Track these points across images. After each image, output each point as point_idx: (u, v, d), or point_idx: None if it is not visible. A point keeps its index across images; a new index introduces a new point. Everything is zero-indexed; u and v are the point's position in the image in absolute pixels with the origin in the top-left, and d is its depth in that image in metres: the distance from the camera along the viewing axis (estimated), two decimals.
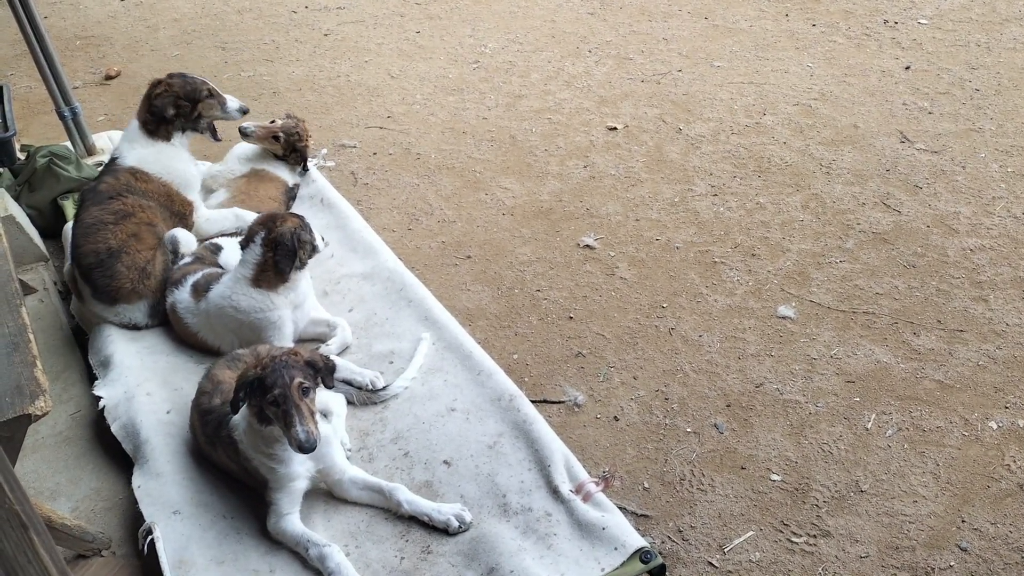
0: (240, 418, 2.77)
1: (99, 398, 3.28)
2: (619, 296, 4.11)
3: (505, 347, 3.82)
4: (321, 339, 3.60)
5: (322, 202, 4.48)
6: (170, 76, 3.89)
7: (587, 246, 4.49)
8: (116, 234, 3.58)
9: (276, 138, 4.51)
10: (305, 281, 3.46)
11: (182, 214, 3.86)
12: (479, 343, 3.60)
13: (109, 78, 6.75)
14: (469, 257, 4.45)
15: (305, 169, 4.67)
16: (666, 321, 3.93)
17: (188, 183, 3.86)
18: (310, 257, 3.37)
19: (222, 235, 3.94)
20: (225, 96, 3.97)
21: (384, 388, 3.29)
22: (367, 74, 6.60)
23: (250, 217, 3.88)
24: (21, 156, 4.86)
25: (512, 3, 7.75)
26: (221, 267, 3.68)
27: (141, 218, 3.66)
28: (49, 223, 4.61)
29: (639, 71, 6.35)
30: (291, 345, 3.46)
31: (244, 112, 4.03)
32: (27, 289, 4.08)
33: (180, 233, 3.78)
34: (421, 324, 3.59)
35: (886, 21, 6.85)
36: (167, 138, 3.80)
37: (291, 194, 4.57)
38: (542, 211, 4.80)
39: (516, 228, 4.66)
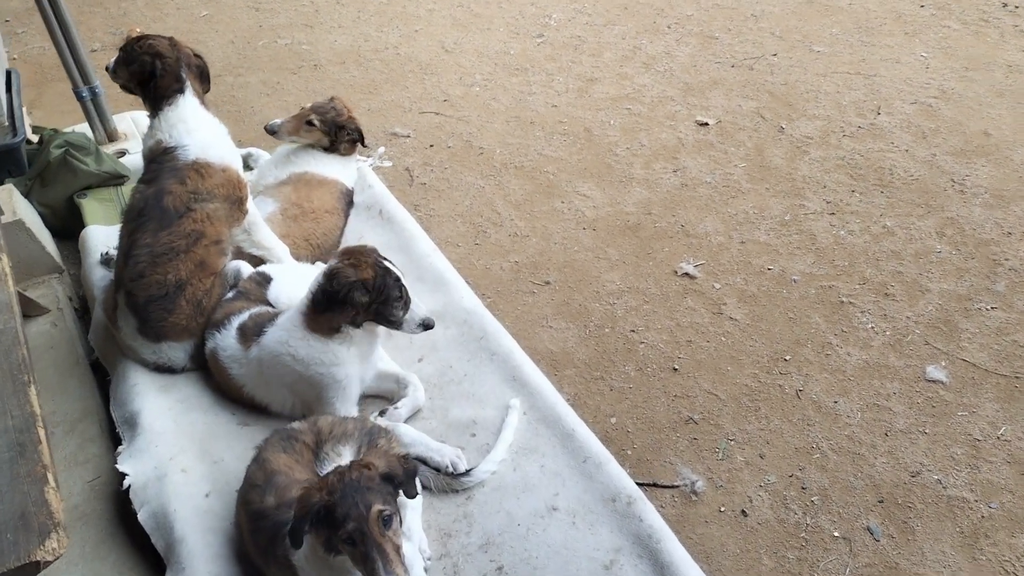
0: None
1: (124, 475, 2.69)
2: (731, 343, 3.48)
3: (600, 407, 3.21)
4: (387, 397, 3.00)
5: (381, 215, 3.83)
6: (179, 44, 3.23)
7: (686, 274, 3.84)
8: (187, 263, 2.98)
9: (311, 123, 3.84)
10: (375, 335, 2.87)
11: (239, 199, 3.19)
12: (568, 400, 3.00)
13: None
14: (548, 283, 3.82)
15: (363, 143, 4.01)
16: (791, 379, 3.30)
17: (238, 157, 3.25)
18: (391, 321, 2.75)
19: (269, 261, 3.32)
20: None
21: (468, 472, 2.69)
22: (418, 46, 5.89)
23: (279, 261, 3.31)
24: (34, 138, 4.23)
25: None
26: (271, 304, 3.07)
27: (210, 236, 3.05)
28: (64, 223, 4.01)
29: (728, 53, 5.61)
30: (354, 411, 2.86)
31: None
32: (37, 310, 3.50)
33: (244, 266, 3.16)
34: (508, 385, 2.97)
35: (1005, 4, 6.05)
36: (206, 106, 3.18)
37: (349, 199, 3.92)
38: (629, 226, 4.15)
39: (600, 247, 4.02)
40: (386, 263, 2.70)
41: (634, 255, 3.97)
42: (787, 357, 3.40)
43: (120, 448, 2.82)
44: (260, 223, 3.30)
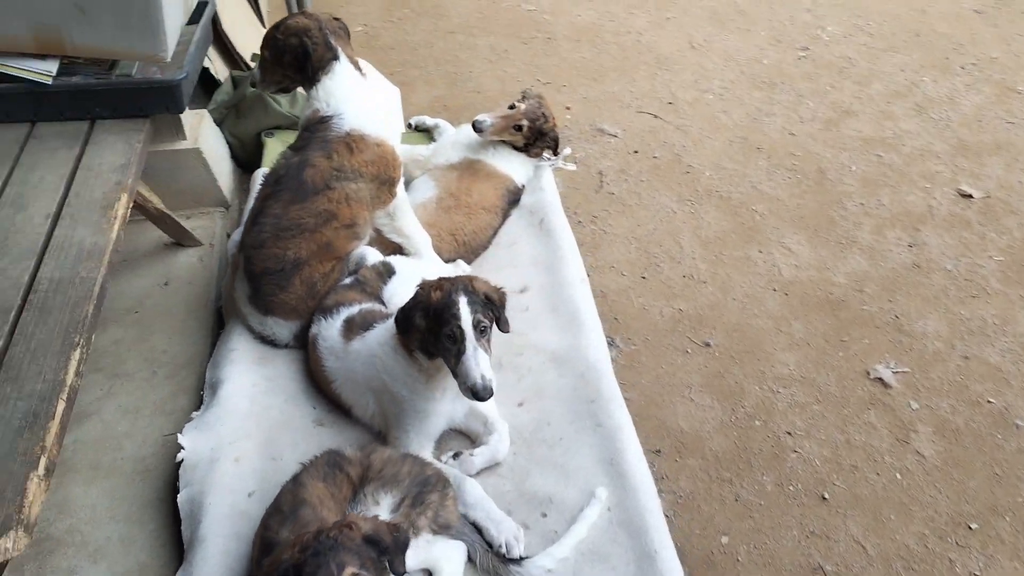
0: None
1: (180, 447, 2.58)
2: (906, 484, 2.78)
3: (714, 517, 2.68)
4: (471, 437, 2.67)
5: (541, 225, 3.46)
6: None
7: (879, 380, 3.14)
8: (310, 244, 2.83)
9: (518, 127, 3.52)
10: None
11: (391, 180, 2.98)
12: (678, 496, 2.52)
13: None
14: (708, 345, 3.28)
15: (555, 152, 3.67)
16: (969, 556, 2.58)
17: (396, 133, 3.03)
18: (452, 359, 2.40)
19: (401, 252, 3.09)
20: None
21: (520, 561, 2.31)
22: (663, 36, 5.36)
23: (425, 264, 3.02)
24: (222, 74, 4.26)
25: None
26: (383, 303, 2.83)
27: (343, 218, 2.86)
28: (251, 158, 4.00)
29: None
30: (429, 447, 2.56)
31: None
32: (191, 241, 3.50)
33: (371, 254, 2.96)
34: (602, 468, 2.53)
35: None
36: (359, 68, 2.96)
37: (514, 198, 3.59)
38: (830, 300, 3.47)
39: (785, 317, 3.39)
40: (463, 300, 2.35)
41: (823, 338, 3.31)
42: (973, 525, 2.66)
43: (193, 415, 2.72)
44: (406, 208, 3.06)
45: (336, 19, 3.03)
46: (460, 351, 2.33)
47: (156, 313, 3.25)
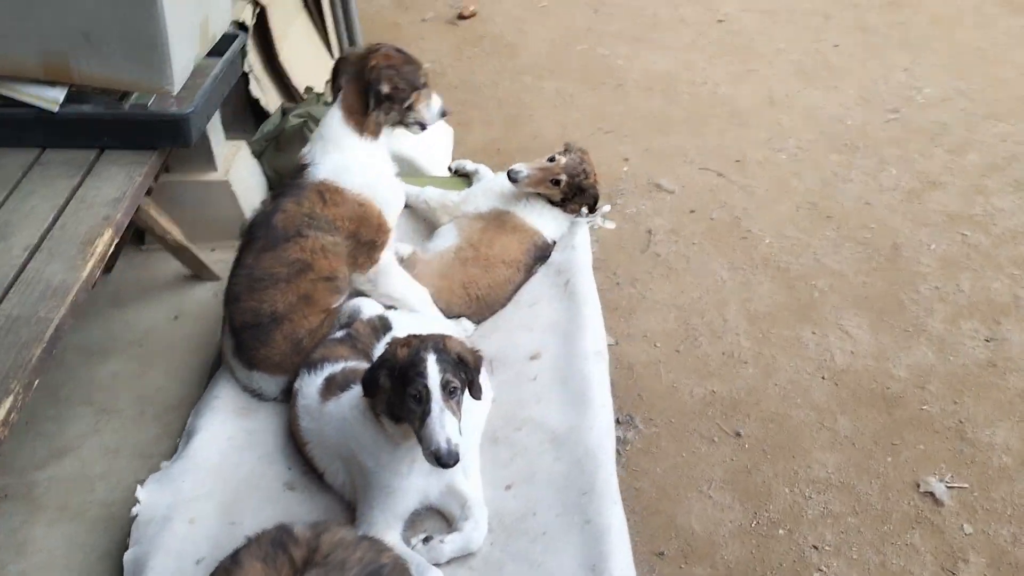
0: None
1: (139, 500, 2.44)
2: None
3: None
4: (447, 517, 2.44)
5: (566, 286, 3.21)
6: (385, 50, 2.82)
7: (930, 495, 2.75)
8: (287, 295, 2.68)
9: (555, 181, 3.31)
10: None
11: (372, 244, 2.83)
12: None
13: (462, 18, 5.96)
14: (738, 435, 2.96)
15: (592, 210, 3.44)
16: None
17: (392, 201, 2.84)
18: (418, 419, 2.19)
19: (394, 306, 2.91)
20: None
21: None
22: (743, 89, 5.05)
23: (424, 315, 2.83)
24: (305, 96, 4.23)
25: (987, 36, 5.54)
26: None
27: (320, 270, 2.72)
28: None
29: None
30: (395, 528, 2.34)
31: (443, 115, 2.95)
32: (208, 275, 3.42)
33: (367, 306, 2.79)
34: (582, 573, 2.24)
35: None
36: (375, 134, 2.77)
37: (542, 254, 3.36)
38: (885, 396, 3.09)
39: (831, 410, 3.04)
40: (432, 358, 2.16)
41: (871, 439, 2.93)
42: None
43: (163, 464, 2.59)
44: (391, 272, 2.92)
45: (390, 67, 2.80)
46: (425, 412, 2.16)
47: (160, 348, 3.17)
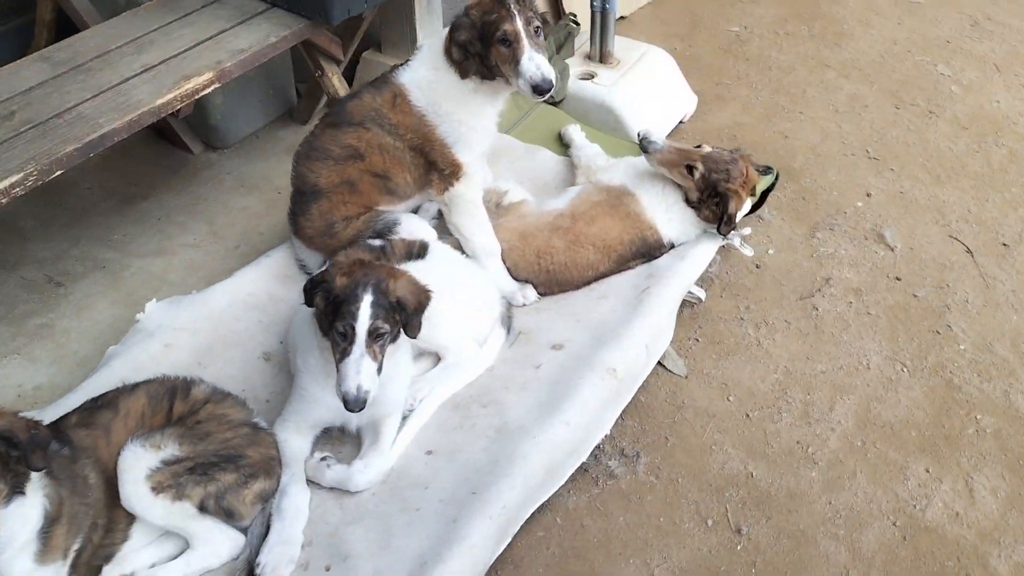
0: None
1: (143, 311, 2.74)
2: None
3: None
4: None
5: (643, 293, 2.85)
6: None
7: None
8: (331, 175, 2.75)
9: (690, 169, 2.93)
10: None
11: (439, 169, 2.77)
12: None
13: None
14: (739, 532, 2.51)
15: (723, 229, 3.00)
16: None
17: (460, 136, 2.72)
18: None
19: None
20: (527, 49, 2.55)
21: None
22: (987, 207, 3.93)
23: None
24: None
25: None
26: None
27: (372, 164, 2.74)
28: None
29: None
30: (294, 431, 2.38)
31: (543, 89, 2.57)
32: None
33: (409, 222, 2.77)
34: (412, 564, 2.10)
35: None
36: (462, 74, 2.65)
37: (648, 251, 3.01)
38: None
39: (873, 565, 2.42)
40: (368, 299, 2.12)
41: None
42: None
43: (193, 293, 2.85)
44: (469, 207, 2.80)
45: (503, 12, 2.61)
46: (345, 352, 2.13)
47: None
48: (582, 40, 4.09)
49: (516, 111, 3.81)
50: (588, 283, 2.96)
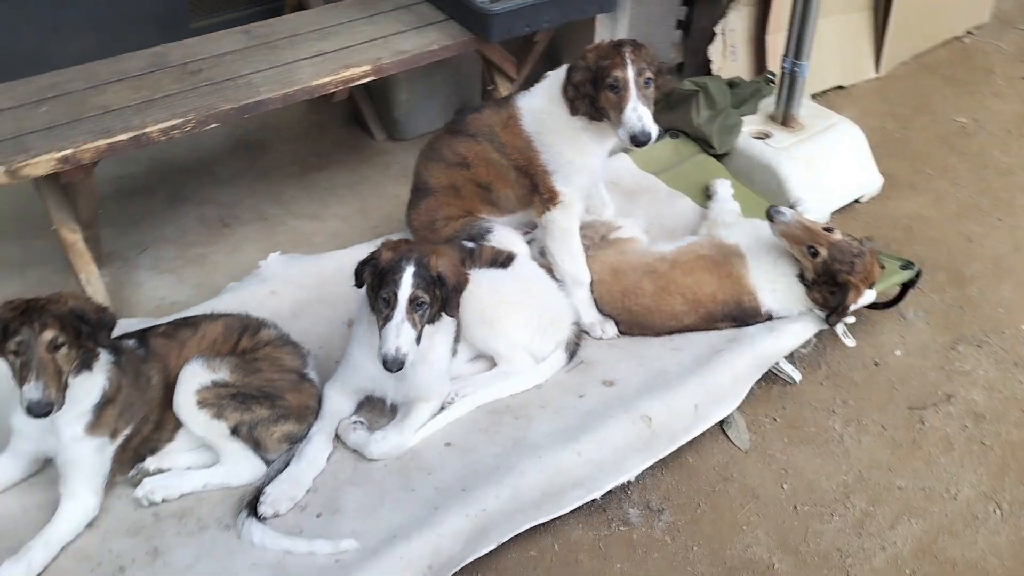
0: None
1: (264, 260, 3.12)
2: None
3: None
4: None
5: (716, 355, 2.77)
6: (612, 42, 2.69)
7: None
8: (441, 176, 2.97)
9: (812, 251, 2.81)
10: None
11: (537, 189, 2.88)
12: None
13: None
14: None
15: (832, 319, 2.87)
16: None
17: (560, 167, 2.81)
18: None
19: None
20: (633, 99, 2.58)
21: (259, 518, 2.32)
22: None
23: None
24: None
25: None
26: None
27: (476, 175, 2.91)
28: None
29: None
30: (351, 396, 2.61)
31: (640, 141, 2.59)
32: None
33: (501, 234, 2.93)
34: (378, 540, 2.25)
35: None
36: (572, 111, 2.75)
37: (741, 316, 2.91)
38: None
39: None
40: (410, 270, 2.30)
41: None
42: None
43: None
44: (556, 234, 2.89)
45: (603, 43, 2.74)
46: (388, 317, 2.31)
47: None
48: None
49: (675, 155, 3.84)
50: (670, 332, 2.93)
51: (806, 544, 2.56)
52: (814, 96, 4.64)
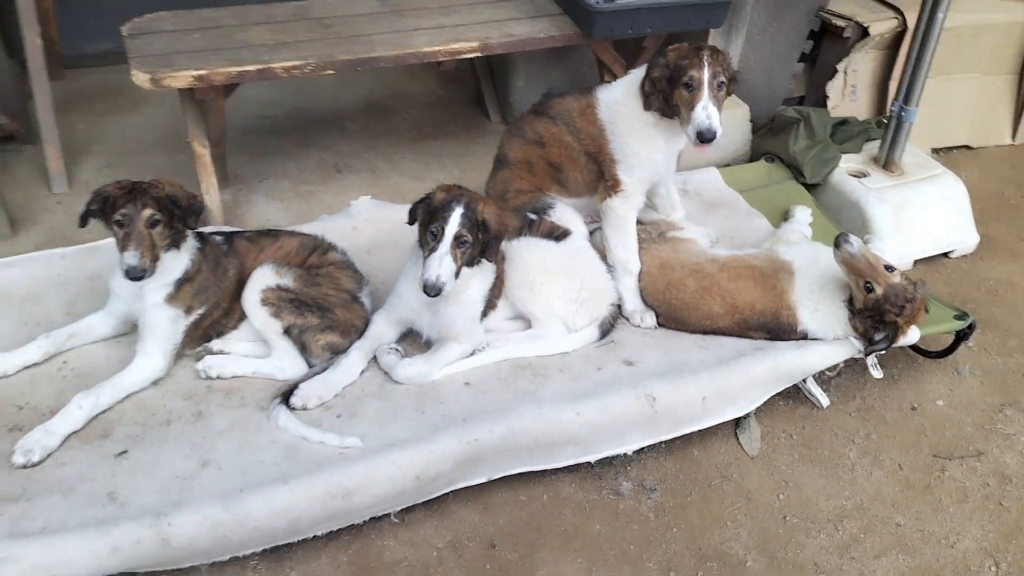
0: None
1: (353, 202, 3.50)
2: None
3: None
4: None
5: (738, 359, 2.88)
6: (695, 44, 2.86)
7: None
8: (518, 151, 3.22)
9: (868, 287, 2.86)
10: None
11: (602, 174, 3.09)
12: None
13: None
14: None
15: (869, 350, 2.92)
16: None
17: (626, 158, 2.99)
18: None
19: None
20: (705, 98, 2.77)
21: (290, 407, 2.65)
22: None
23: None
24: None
25: None
26: None
27: (550, 155, 3.14)
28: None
29: None
30: (394, 326, 2.91)
31: (706, 138, 2.76)
32: None
33: (561, 212, 3.14)
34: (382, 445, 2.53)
35: None
36: (646, 105, 2.94)
37: (774, 329, 3.00)
38: None
39: None
40: (459, 211, 2.57)
41: None
42: None
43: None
44: (613, 220, 3.08)
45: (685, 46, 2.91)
46: (432, 249, 2.58)
47: None
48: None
49: (765, 178, 3.93)
50: (703, 332, 3.06)
51: (784, 552, 2.62)
52: (937, 151, 4.60)
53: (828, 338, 2.96)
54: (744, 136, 4.16)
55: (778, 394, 3.00)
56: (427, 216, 2.65)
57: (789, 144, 3.87)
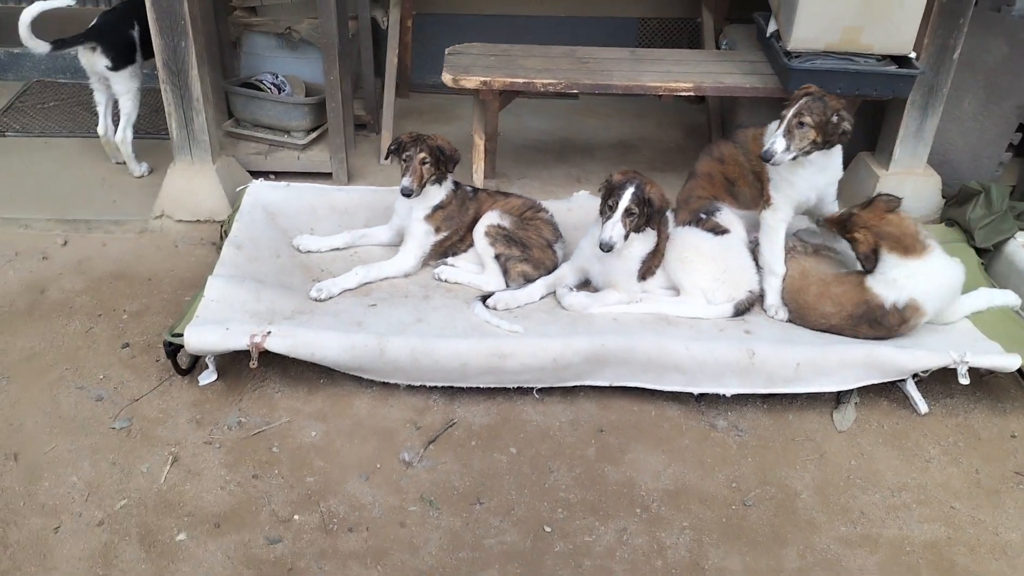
0: None
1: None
2: None
3: None
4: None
5: (843, 346, 3.45)
6: (807, 93, 3.57)
7: None
8: (704, 166, 4.00)
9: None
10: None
11: (761, 191, 3.81)
12: None
13: None
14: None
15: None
16: None
17: (775, 179, 3.71)
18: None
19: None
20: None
21: (486, 306, 3.70)
22: None
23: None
24: None
25: None
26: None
27: (728, 172, 3.90)
28: None
29: None
30: (575, 271, 3.89)
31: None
32: None
33: (727, 213, 3.89)
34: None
35: None
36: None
37: (870, 316, 3.55)
38: None
39: None
40: (631, 190, 3.44)
41: None
42: None
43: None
44: (767, 232, 3.76)
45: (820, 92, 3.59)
46: (607, 217, 3.47)
47: None
48: None
49: (940, 237, 4.32)
50: (821, 330, 3.64)
51: (838, 497, 3.13)
52: None
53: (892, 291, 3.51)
54: (935, 204, 4.60)
55: (882, 394, 3.51)
56: (607, 192, 3.57)
57: (967, 212, 4.28)
